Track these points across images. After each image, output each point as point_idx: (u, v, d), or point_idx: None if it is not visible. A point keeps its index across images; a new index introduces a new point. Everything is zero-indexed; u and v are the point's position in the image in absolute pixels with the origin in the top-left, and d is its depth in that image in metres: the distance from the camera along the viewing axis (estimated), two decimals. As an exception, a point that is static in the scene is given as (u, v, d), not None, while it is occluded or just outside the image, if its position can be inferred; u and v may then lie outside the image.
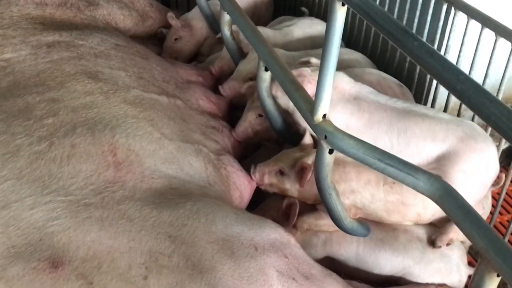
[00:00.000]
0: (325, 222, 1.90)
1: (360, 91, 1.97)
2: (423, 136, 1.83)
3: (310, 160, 1.87)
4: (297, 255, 1.57)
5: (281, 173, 1.93)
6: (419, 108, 1.92)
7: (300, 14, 3.06)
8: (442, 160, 1.79)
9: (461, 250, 1.90)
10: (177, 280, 1.34)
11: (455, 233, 1.83)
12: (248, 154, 2.35)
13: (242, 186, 1.92)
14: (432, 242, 1.86)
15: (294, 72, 1.91)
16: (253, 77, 2.30)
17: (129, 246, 1.38)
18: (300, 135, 2.06)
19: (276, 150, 2.15)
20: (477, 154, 1.80)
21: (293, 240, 1.62)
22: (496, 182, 1.87)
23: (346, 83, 1.98)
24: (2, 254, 1.30)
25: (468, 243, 1.97)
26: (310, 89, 1.93)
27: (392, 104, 1.93)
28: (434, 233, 1.88)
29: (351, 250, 1.90)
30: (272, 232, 1.57)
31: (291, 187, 1.94)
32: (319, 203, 1.93)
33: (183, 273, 1.35)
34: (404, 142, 1.84)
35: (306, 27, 2.75)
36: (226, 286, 1.36)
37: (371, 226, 1.83)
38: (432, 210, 1.85)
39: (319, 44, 2.58)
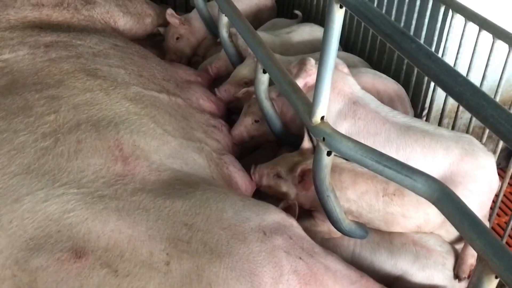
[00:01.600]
0: (320, 230, 1.89)
1: (361, 97, 1.95)
2: (424, 154, 1.82)
3: (309, 164, 1.87)
4: (300, 236, 1.63)
5: (279, 176, 1.93)
6: (419, 124, 1.91)
7: (295, 17, 3.06)
8: (445, 179, 1.76)
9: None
10: (197, 264, 1.38)
11: (473, 258, 1.82)
12: (244, 155, 2.35)
13: (244, 186, 1.95)
14: (456, 276, 1.85)
15: (297, 61, 1.90)
16: (249, 82, 2.32)
17: (148, 234, 1.41)
18: (298, 137, 2.06)
19: (274, 151, 2.16)
20: (479, 170, 1.80)
21: (295, 222, 1.68)
22: None
23: (347, 85, 1.96)
24: (21, 246, 1.31)
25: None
26: (304, 78, 1.94)
27: (392, 117, 1.91)
28: (455, 266, 1.87)
29: (348, 253, 1.89)
30: (276, 216, 1.62)
31: (288, 191, 1.93)
32: (315, 209, 1.92)
33: (202, 257, 1.39)
34: (403, 159, 1.81)
35: (305, 35, 2.76)
36: (243, 269, 1.41)
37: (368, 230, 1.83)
38: (433, 223, 1.84)
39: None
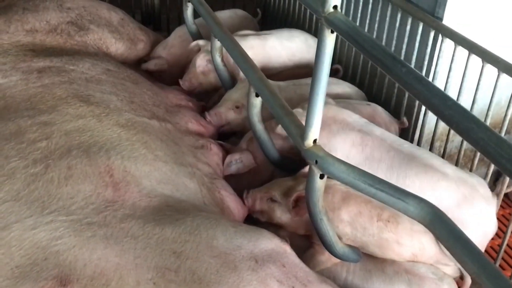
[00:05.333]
0: (319, 260, 1.87)
1: (364, 125, 1.99)
2: (422, 190, 1.80)
3: (303, 191, 1.86)
4: (294, 264, 1.59)
5: (273, 200, 1.93)
6: (425, 154, 1.90)
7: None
8: None
9: (451, 287, 1.88)
10: None
11: None
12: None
13: (236, 210, 1.93)
14: None
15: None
16: (241, 106, 2.33)
17: (136, 263, 1.39)
18: (292, 161, 2.06)
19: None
20: (475, 219, 1.80)
21: (289, 249, 1.64)
22: None
23: (347, 115, 1.99)
24: (6, 275, 1.29)
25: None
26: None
27: (397, 146, 1.92)
28: None
29: (340, 280, 1.88)
30: (269, 243, 1.59)
31: (281, 215, 1.92)
32: (309, 234, 1.91)
33: (190, 287, 1.37)
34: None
35: (284, 38, 2.80)
36: None
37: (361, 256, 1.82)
38: (428, 253, 1.82)
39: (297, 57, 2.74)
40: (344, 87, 2.53)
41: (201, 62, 2.64)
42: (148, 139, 1.88)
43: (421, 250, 1.82)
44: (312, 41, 2.81)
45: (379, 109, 2.33)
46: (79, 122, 1.82)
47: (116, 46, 2.72)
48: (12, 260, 1.33)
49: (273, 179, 2.06)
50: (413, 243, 1.80)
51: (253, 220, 2.00)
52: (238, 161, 2.17)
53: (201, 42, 2.69)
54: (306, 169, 1.95)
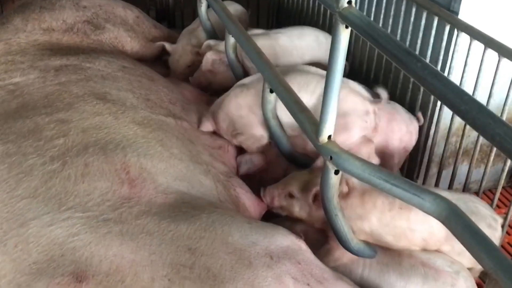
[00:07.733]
0: (335, 255, 1.88)
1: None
2: (299, 88, 2.01)
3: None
4: (309, 261, 1.59)
5: (290, 196, 1.93)
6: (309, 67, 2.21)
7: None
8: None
9: (468, 281, 1.88)
10: None
11: None
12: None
13: (252, 207, 1.93)
14: None
15: None
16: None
17: (151, 260, 1.40)
18: (306, 156, 2.07)
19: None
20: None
21: (304, 245, 1.64)
22: None
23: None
24: (24, 270, 1.32)
25: (479, 268, 1.95)
26: None
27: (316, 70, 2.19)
28: None
29: (356, 274, 1.88)
30: (285, 240, 1.59)
31: (300, 210, 1.93)
32: (325, 229, 1.92)
33: (205, 283, 1.38)
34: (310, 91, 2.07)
35: (294, 37, 2.76)
36: None
37: (377, 250, 1.82)
38: (437, 236, 1.84)
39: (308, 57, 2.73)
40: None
41: (207, 61, 2.64)
42: (164, 136, 1.90)
43: (430, 234, 1.83)
44: (323, 38, 2.79)
45: (399, 108, 2.32)
46: (95, 119, 1.84)
47: (132, 45, 2.74)
48: (30, 256, 1.35)
49: (287, 174, 2.07)
50: (423, 228, 1.82)
51: (267, 217, 2.01)
52: (248, 161, 2.19)
53: (211, 41, 2.69)
54: (319, 162, 1.96)
